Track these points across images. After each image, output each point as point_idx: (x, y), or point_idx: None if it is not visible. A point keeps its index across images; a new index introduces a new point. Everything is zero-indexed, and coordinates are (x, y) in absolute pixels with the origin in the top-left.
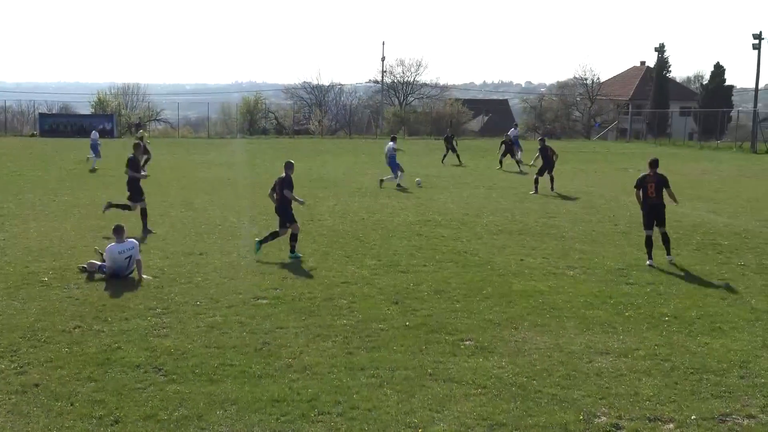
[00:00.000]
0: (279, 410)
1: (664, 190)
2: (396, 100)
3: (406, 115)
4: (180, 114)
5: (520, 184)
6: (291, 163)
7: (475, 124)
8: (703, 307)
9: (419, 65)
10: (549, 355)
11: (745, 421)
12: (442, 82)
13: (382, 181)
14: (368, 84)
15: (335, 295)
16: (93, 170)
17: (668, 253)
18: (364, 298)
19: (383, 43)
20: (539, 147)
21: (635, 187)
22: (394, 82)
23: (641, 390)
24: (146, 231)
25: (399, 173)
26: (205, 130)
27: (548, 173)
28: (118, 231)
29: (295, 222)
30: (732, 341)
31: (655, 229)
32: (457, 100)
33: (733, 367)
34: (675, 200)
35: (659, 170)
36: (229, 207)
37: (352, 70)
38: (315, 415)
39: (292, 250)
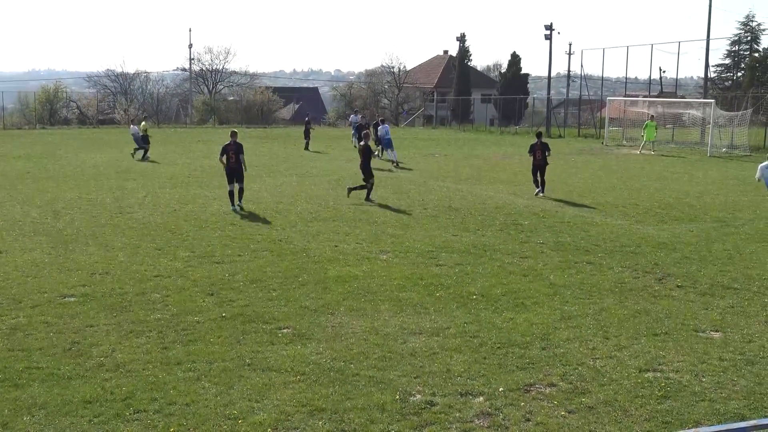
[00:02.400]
0: (92, 411)
1: (545, 153)
2: (205, 88)
3: (216, 104)
4: None
5: (332, 171)
6: (235, 131)
7: (286, 112)
8: (508, 285)
9: (228, 53)
10: (365, 338)
11: (547, 390)
12: (251, 70)
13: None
14: (176, 72)
15: (148, 290)
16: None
17: (542, 191)
18: (178, 291)
19: (190, 30)
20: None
21: (529, 151)
22: (202, 69)
23: (453, 366)
24: None
25: (394, 152)
26: None
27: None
28: None
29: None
30: (534, 315)
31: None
32: (267, 88)
33: (535, 339)
34: (546, 161)
35: (543, 140)
36: (29, 202)
37: (159, 57)
38: (130, 414)
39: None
